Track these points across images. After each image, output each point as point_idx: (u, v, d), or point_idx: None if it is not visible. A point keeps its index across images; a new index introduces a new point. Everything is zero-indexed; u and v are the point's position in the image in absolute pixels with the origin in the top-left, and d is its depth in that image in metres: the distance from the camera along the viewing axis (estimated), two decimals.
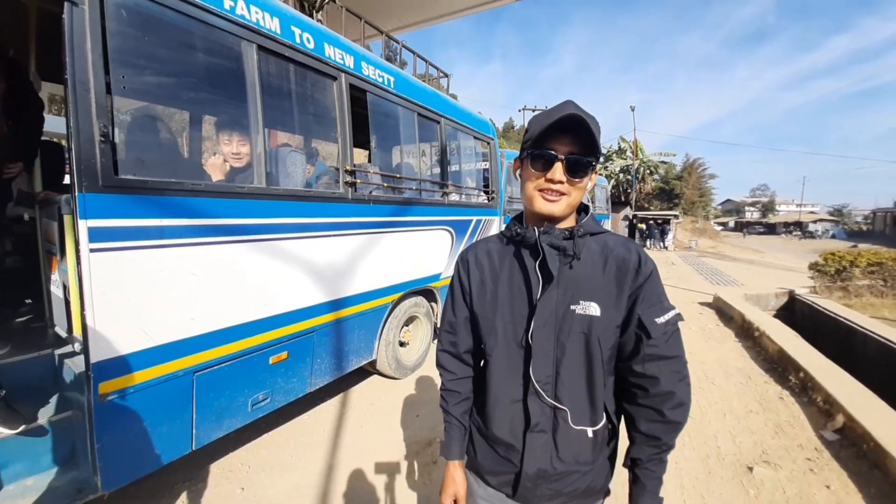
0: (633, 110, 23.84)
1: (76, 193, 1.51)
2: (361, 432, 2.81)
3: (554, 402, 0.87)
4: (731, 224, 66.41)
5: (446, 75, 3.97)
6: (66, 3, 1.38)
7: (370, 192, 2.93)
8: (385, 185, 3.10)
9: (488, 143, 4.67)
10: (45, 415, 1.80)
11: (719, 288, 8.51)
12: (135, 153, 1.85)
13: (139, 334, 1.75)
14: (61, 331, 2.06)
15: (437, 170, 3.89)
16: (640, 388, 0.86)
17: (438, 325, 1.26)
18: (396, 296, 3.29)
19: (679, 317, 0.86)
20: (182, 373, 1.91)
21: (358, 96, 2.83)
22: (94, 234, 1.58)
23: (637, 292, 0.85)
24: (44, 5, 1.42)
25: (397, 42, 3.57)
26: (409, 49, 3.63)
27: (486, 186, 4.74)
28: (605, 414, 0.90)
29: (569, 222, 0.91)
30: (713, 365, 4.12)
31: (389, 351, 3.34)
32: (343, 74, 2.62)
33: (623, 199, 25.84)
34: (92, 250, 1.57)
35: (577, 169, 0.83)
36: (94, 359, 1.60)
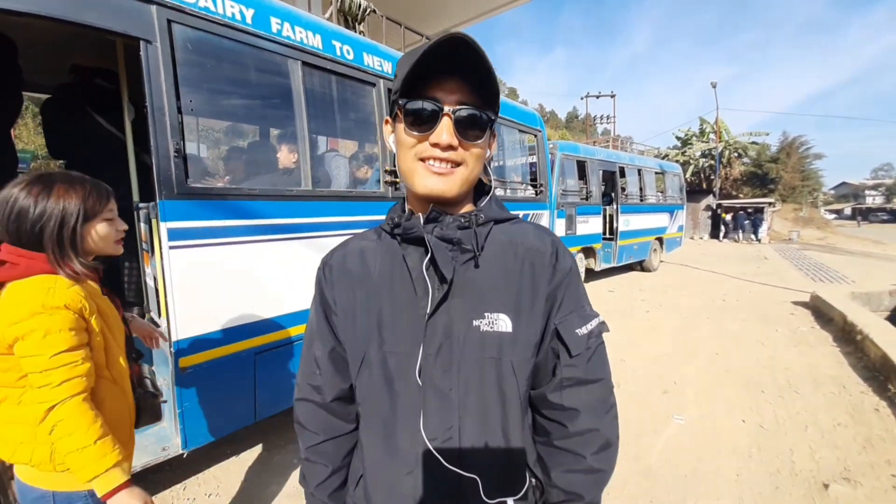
0: (714, 87, 21.48)
1: (157, 201, 1.83)
2: None
3: (458, 470, 0.59)
4: (848, 211, 56.61)
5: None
6: (141, 42, 1.69)
7: None
8: None
9: (535, 136, 4.58)
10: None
11: (821, 285, 7.38)
12: (202, 164, 2.17)
13: (210, 319, 2.06)
14: (155, 315, 2.48)
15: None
16: (556, 424, 0.64)
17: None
18: None
19: (604, 326, 0.66)
20: (245, 353, 2.20)
21: None
22: (172, 234, 1.89)
23: (553, 294, 0.64)
24: (128, 42, 1.73)
25: None
26: None
27: (534, 180, 4.66)
28: (527, 472, 0.66)
29: (465, 206, 0.68)
30: (800, 372, 3.64)
31: None
32: (381, 80, 2.77)
33: (705, 186, 23.34)
34: (171, 247, 1.89)
35: (473, 125, 0.59)
36: (174, 338, 1.92)
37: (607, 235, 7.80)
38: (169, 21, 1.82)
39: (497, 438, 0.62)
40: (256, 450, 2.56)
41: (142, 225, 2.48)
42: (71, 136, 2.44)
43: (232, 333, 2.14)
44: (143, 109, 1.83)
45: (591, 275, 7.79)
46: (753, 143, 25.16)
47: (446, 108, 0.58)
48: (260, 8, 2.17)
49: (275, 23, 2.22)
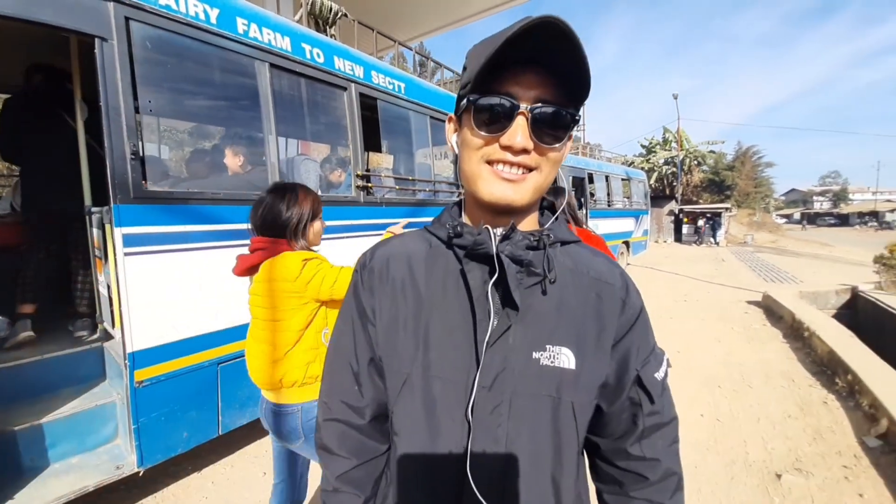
0: (675, 98, 22.60)
1: (111, 205, 1.74)
2: None
3: None
4: (797, 216, 60.83)
5: (460, 76, 4.06)
6: (97, 39, 1.61)
7: (383, 195, 3.05)
8: (398, 187, 3.21)
9: None
10: (91, 400, 2.06)
11: (772, 285, 7.87)
12: (161, 167, 2.08)
13: (168, 329, 1.97)
14: (108, 325, 2.34)
15: (453, 170, 3.97)
16: (634, 475, 0.58)
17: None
18: None
19: (668, 361, 0.63)
20: (207, 364, 2.11)
21: (369, 103, 2.96)
22: (128, 240, 1.80)
23: (627, 337, 0.57)
24: (83, 39, 1.65)
25: (410, 49, 3.70)
26: (423, 55, 3.76)
27: None
28: None
29: (529, 223, 0.59)
30: (753, 367, 3.86)
31: None
32: (353, 84, 2.76)
33: (668, 192, 24.47)
34: (126, 254, 1.80)
35: (553, 126, 0.50)
36: (129, 349, 1.82)
37: None
38: (127, 19, 1.75)
39: (545, 486, 0.55)
40: (219, 464, 2.45)
41: (94, 230, 2.35)
42: (23, 140, 2.31)
43: (193, 344, 2.05)
44: (98, 109, 1.75)
45: None
46: (711, 151, 26.62)
47: (522, 106, 0.50)
48: (225, 8, 2.11)
49: (241, 23, 2.17)
